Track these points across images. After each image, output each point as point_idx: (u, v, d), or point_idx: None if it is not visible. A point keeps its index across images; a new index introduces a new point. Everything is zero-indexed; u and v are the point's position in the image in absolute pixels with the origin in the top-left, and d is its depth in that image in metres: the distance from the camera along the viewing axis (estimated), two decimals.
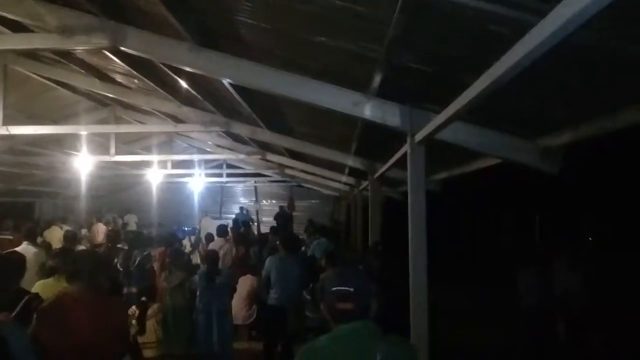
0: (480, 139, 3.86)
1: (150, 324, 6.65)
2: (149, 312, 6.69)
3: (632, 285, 9.92)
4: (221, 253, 8.09)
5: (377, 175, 7.52)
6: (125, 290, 6.76)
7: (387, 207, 9.80)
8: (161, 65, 5.55)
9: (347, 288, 2.14)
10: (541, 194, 11.74)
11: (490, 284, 10.71)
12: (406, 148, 4.05)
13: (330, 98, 3.89)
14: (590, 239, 16.67)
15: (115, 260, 7.05)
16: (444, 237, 12.62)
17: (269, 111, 6.90)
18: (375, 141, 6.14)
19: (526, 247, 12.03)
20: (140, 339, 5.72)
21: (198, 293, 6.60)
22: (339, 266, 2.40)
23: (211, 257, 6.83)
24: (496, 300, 9.54)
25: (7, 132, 6.81)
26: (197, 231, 13.69)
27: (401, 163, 5.21)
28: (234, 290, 7.11)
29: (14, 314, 3.36)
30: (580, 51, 2.44)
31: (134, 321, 5.36)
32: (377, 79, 3.68)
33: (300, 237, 11.41)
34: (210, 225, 14.33)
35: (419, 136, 3.78)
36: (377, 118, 3.86)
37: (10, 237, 9.53)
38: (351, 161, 7.95)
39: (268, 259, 7.04)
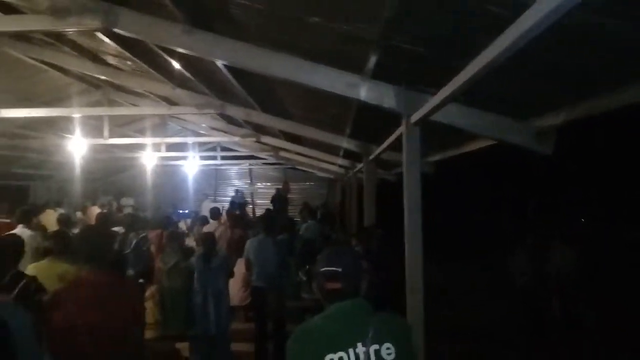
0: (474, 120, 3.86)
1: (148, 305, 6.70)
2: (147, 293, 6.74)
3: (623, 261, 10.06)
4: (216, 235, 8.11)
5: (372, 157, 7.53)
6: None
7: (381, 189, 9.84)
8: (154, 47, 5.50)
9: (335, 268, 2.17)
10: (535, 174, 11.81)
11: (485, 264, 10.82)
12: (401, 130, 4.05)
13: (325, 80, 3.88)
14: (582, 219, 16.84)
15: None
16: (438, 219, 12.69)
17: (264, 93, 6.87)
18: (370, 123, 6.13)
19: (520, 226, 12.13)
20: None
21: (195, 275, 6.63)
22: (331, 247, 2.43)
23: (208, 239, 6.85)
24: (491, 279, 9.65)
25: None
26: (194, 214, 13.68)
27: (396, 145, 5.23)
28: (231, 272, 7.16)
29: (12, 295, 3.38)
30: (575, 31, 2.44)
31: None
32: (372, 61, 3.66)
33: (296, 219, 11.47)
34: (208, 208, 14.35)
35: (414, 118, 3.78)
36: (373, 100, 3.85)
37: (7, 220, 9.51)
38: (346, 143, 7.95)
39: (248, 242, 7.15)
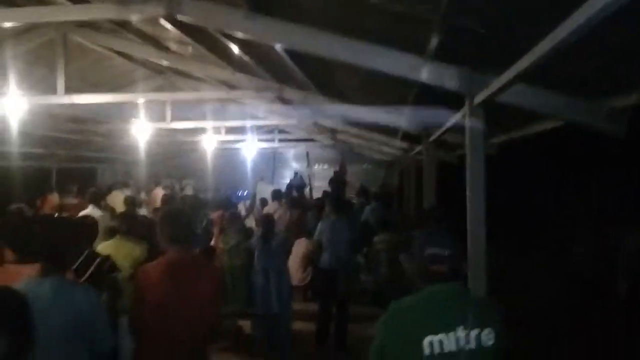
0: (542, 100, 3.72)
1: None
2: None
3: None
4: (275, 217, 8.24)
5: (432, 139, 7.41)
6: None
7: (441, 171, 9.68)
8: (215, 33, 5.59)
9: (441, 251, 2.14)
10: (603, 156, 11.29)
11: (550, 247, 10.50)
12: (464, 111, 3.96)
13: (387, 62, 3.82)
14: None
15: None
16: (501, 201, 12.38)
17: (322, 76, 6.86)
18: (431, 104, 6.02)
19: (587, 209, 11.69)
20: None
21: (256, 255, 6.78)
22: (429, 227, 2.35)
23: (267, 220, 6.97)
24: (556, 263, 9.37)
25: (69, 101, 7.06)
26: (252, 196, 13.93)
27: (458, 127, 5.12)
28: (289, 253, 7.28)
29: (87, 274, 3.55)
30: None
31: None
32: (434, 42, 3.58)
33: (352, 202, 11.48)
34: (265, 190, 14.58)
35: (478, 99, 3.68)
36: (435, 81, 3.77)
37: (76, 201, 9.98)
38: (405, 125, 7.85)
39: (320, 223, 7.15)
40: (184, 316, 3.04)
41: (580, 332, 6.51)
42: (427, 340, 2.01)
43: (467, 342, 2.02)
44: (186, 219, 3.46)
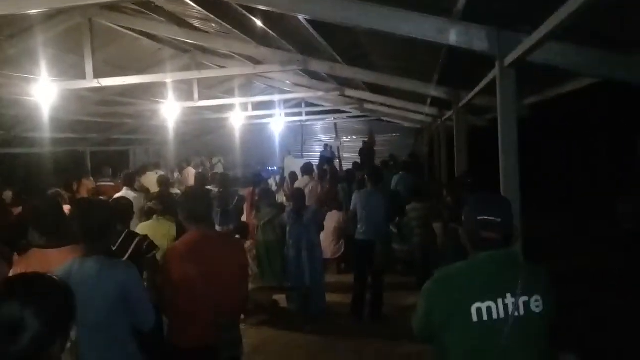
0: (576, 58, 3.57)
1: None
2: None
3: None
4: (307, 190, 8.26)
5: (462, 103, 7.26)
6: (223, 229, 7.08)
7: (472, 136, 9.51)
8: (237, 7, 5.54)
9: (494, 217, 2.08)
10: None
11: (588, 211, 10.28)
12: (495, 73, 3.84)
13: (413, 27, 3.72)
14: None
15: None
16: (536, 165, 12.15)
17: (347, 45, 6.76)
18: (460, 68, 5.89)
19: (627, 171, 11.37)
20: None
21: (288, 229, 6.82)
22: (480, 192, 2.29)
23: (298, 195, 7.00)
24: (594, 226, 9.18)
25: (98, 84, 7.14)
26: (281, 170, 14.00)
27: (489, 89, 4.99)
28: (322, 226, 7.30)
29: (127, 255, 3.63)
30: None
31: None
32: (461, 2, 3.47)
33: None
34: (293, 164, 14.61)
35: (508, 59, 3.56)
36: (464, 44, 3.66)
37: (111, 184, 10.19)
38: (434, 91, 7.70)
39: (354, 194, 7.07)
40: (210, 292, 3.10)
41: (623, 296, 6.39)
42: (474, 307, 1.98)
43: (516, 309, 1.99)
44: (206, 198, 3.53)
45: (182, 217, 3.33)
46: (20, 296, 1.43)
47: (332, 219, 8.14)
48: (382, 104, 12.72)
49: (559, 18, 2.64)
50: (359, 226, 6.78)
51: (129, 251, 3.76)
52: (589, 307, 5.68)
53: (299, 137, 21.54)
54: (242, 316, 6.31)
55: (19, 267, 3.06)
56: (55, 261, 2.82)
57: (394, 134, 20.45)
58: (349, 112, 17.95)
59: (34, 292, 1.47)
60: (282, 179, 12.24)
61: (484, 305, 1.99)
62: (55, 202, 3.93)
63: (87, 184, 10.77)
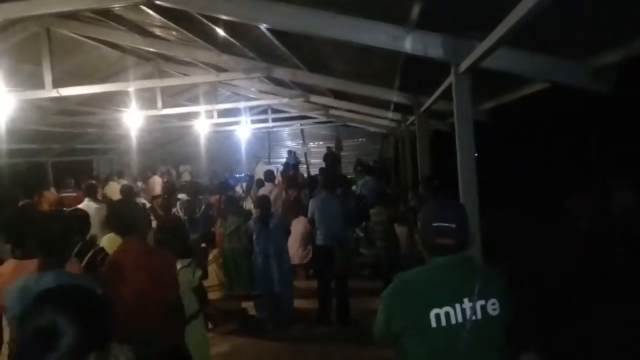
0: (527, 63, 3.71)
1: (212, 268, 6.99)
2: (210, 257, 7.02)
3: None
4: (272, 197, 8.26)
5: (423, 109, 7.39)
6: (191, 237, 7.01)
7: (436, 140, 9.67)
8: (198, 16, 5.53)
9: (449, 224, 2.10)
10: (595, 115, 11.26)
11: (544, 212, 10.53)
12: (451, 79, 3.95)
13: (368, 34, 3.79)
14: None
15: (174, 210, 7.35)
16: (494, 167, 12.39)
17: (309, 52, 6.81)
18: (419, 74, 6.00)
19: (581, 172, 11.70)
20: (204, 283, 6.01)
21: (254, 237, 6.81)
22: (437, 196, 2.31)
23: (263, 202, 7.00)
24: (551, 228, 9.42)
25: (57, 94, 7.02)
26: (249, 178, 13.97)
27: (447, 95, 5.11)
28: (288, 232, 7.31)
29: (82, 264, 3.59)
30: None
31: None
32: (415, 10, 3.56)
33: (350, 176, 11.51)
34: (264, 171, 14.59)
35: (463, 66, 3.66)
36: (419, 51, 3.75)
37: (74, 194, 10.00)
38: (396, 96, 7.82)
39: (310, 201, 7.15)
40: (142, 302, 3.13)
41: (580, 296, 6.57)
42: (433, 313, 2.02)
43: (473, 313, 2.03)
44: (135, 209, 3.55)
45: (112, 229, 3.36)
46: (58, 304, 1.48)
47: (298, 225, 8.15)
48: (347, 110, 12.82)
49: (509, 24, 2.74)
50: (318, 232, 6.84)
51: (83, 263, 3.72)
52: (548, 308, 5.82)
53: (265, 143, 21.52)
54: (210, 325, 6.29)
55: None
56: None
57: (361, 139, 20.63)
58: (316, 118, 18.02)
59: (71, 301, 1.51)
60: (249, 186, 12.21)
61: (442, 311, 2.02)
62: (28, 213, 3.90)
63: (49, 196, 10.54)
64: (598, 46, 3.54)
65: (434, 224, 2.13)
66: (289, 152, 19.99)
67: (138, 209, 3.61)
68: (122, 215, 3.37)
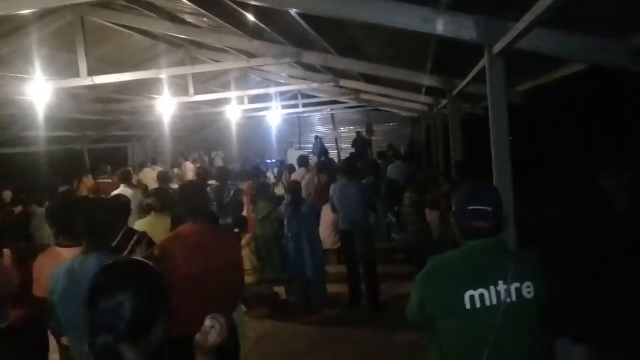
0: (564, 44, 3.59)
1: (245, 252, 7.07)
2: (242, 242, 7.10)
3: None
4: (303, 183, 8.28)
5: (455, 92, 7.27)
6: (220, 222, 7.09)
7: (469, 124, 9.52)
8: (228, 1, 5.54)
9: (484, 207, 2.09)
10: (634, 97, 10.90)
11: (580, 195, 10.31)
12: (484, 61, 3.86)
13: (398, 17, 3.72)
14: None
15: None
16: (529, 150, 12.17)
17: (339, 37, 6.76)
18: (452, 57, 5.90)
19: (619, 154, 11.39)
20: None
21: (285, 222, 6.86)
22: (471, 180, 2.28)
23: (294, 187, 7.03)
24: (587, 211, 9.21)
25: (92, 82, 7.14)
26: (279, 163, 14.03)
27: (480, 77, 5.01)
28: (319, 217, 7.34)
29: (126, 251, 3.66)
30: None
31: None
32: None
33: (379, 161, 11.44)
34: (295, 156, 14.65)
35: (496, 48, 3.57)
36: (451, 33, 3.67)
37: (109, 181, 10.22)
38: (427, 80, 7.71)
39: (331, 186, 7.15)
40: (197, 285, 3.12)
41: (617, 280, 6.42)
42: (467, 295, 2.01)
43: (508, 295, 2.02)
44: (202, 192, 3.58)
45: (180, 211, 3.38)
46: (123, 275, 1.56)
47: (328, 210, 8.16)
48: (378, 94, 12.72)
49: (545, 3, 2.65)
50: (339, 217, 6.84)
51: (129, 247, 3.79)
52: (584, 293, 5.72)
53: (296, 128, 21.52)
54: (244, 308, 6.38)
55: (37, 264, 3.27)
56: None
57: (392, 123, 20.45)
58: (346, 103, 17.93)
59: (134, 272, 1.60)
60: (280, 171, 12.26)
61: (476, 293, 2.02)
62: (71, 199, 4.00)
63: (87, 182, 10.80)
64: (635, 25, 3.41)
65: (469, 207, 2.11)
66: (316, 137, 19.92)
67: (206, 192, 3.67)
68: (194, 197, 3.39)
